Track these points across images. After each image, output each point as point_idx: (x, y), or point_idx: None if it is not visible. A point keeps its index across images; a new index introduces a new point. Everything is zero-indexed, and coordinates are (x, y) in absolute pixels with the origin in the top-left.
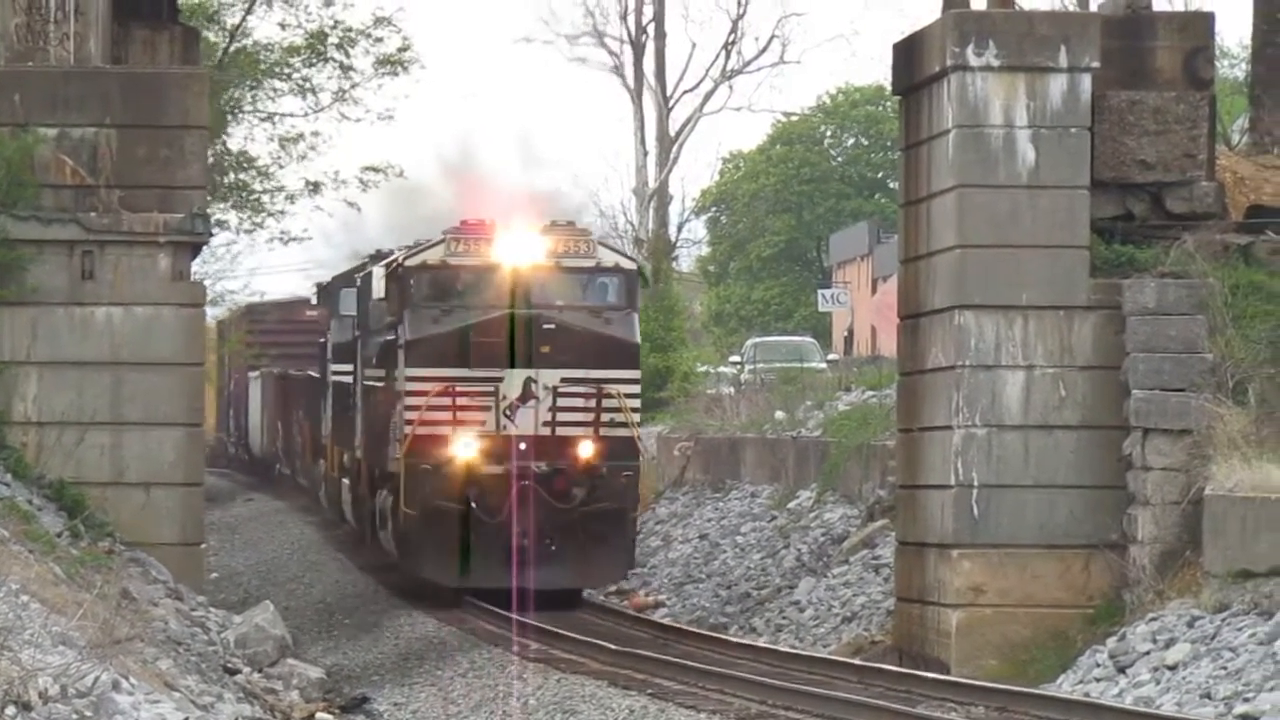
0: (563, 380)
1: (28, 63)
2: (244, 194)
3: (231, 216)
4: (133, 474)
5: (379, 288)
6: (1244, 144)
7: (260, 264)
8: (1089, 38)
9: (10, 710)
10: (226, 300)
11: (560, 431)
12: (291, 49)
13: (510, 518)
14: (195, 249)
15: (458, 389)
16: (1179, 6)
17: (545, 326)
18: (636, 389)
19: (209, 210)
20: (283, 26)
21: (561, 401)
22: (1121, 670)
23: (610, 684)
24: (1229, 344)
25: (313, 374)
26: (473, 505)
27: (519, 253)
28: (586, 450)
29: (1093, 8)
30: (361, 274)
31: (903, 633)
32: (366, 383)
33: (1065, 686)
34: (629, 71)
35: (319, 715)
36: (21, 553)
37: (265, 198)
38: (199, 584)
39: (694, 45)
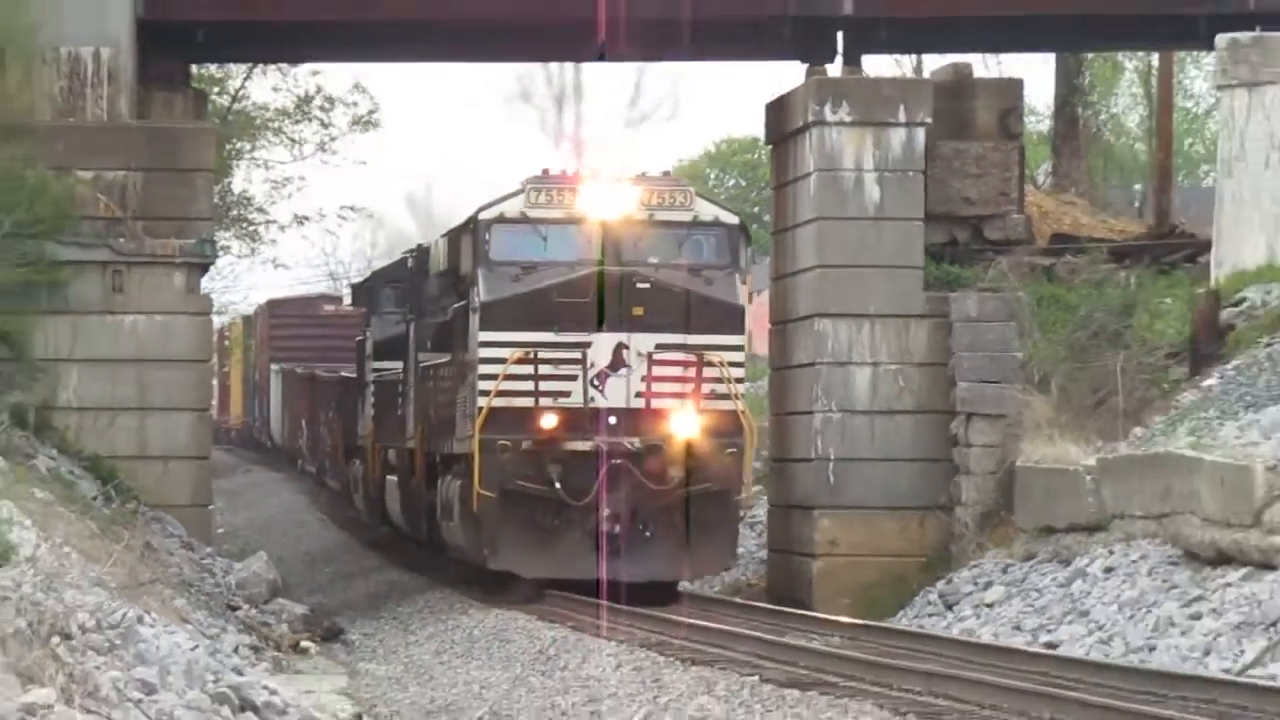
0: (658, 346)
1: (69, 118)
2: (243, 225)
3: (234, 243)
4: (154, 449)
5: (440, 259)
6: (1047, 184)
7: (256, 282)
8: (923, 99)
9: (55, 639)
10: (229, 310)
11: (655, 404)
12: (282, 110)
13: (599, 501)
14: (204, 268)
15: (539, 356)
16: (995, 73)
17: (639, 286)
18: (741, 357)
19: (215, 238)
20: (275, 90)
21: (657, 370)
22: (949, 607)
23: (539, 619)
24: (1035, 345)
25: (344, 374)
26: (557, 486)
27: (608, 204)
28: (685, 425)
29: (926, 74)
30: (414, 257)
31: (774, 578)
32: (424, 366)
33: (903, 620)
34: (550, 128)
35: (304, 644)
36: (64, 512)
37: (260, 228)
38: (207, 538)
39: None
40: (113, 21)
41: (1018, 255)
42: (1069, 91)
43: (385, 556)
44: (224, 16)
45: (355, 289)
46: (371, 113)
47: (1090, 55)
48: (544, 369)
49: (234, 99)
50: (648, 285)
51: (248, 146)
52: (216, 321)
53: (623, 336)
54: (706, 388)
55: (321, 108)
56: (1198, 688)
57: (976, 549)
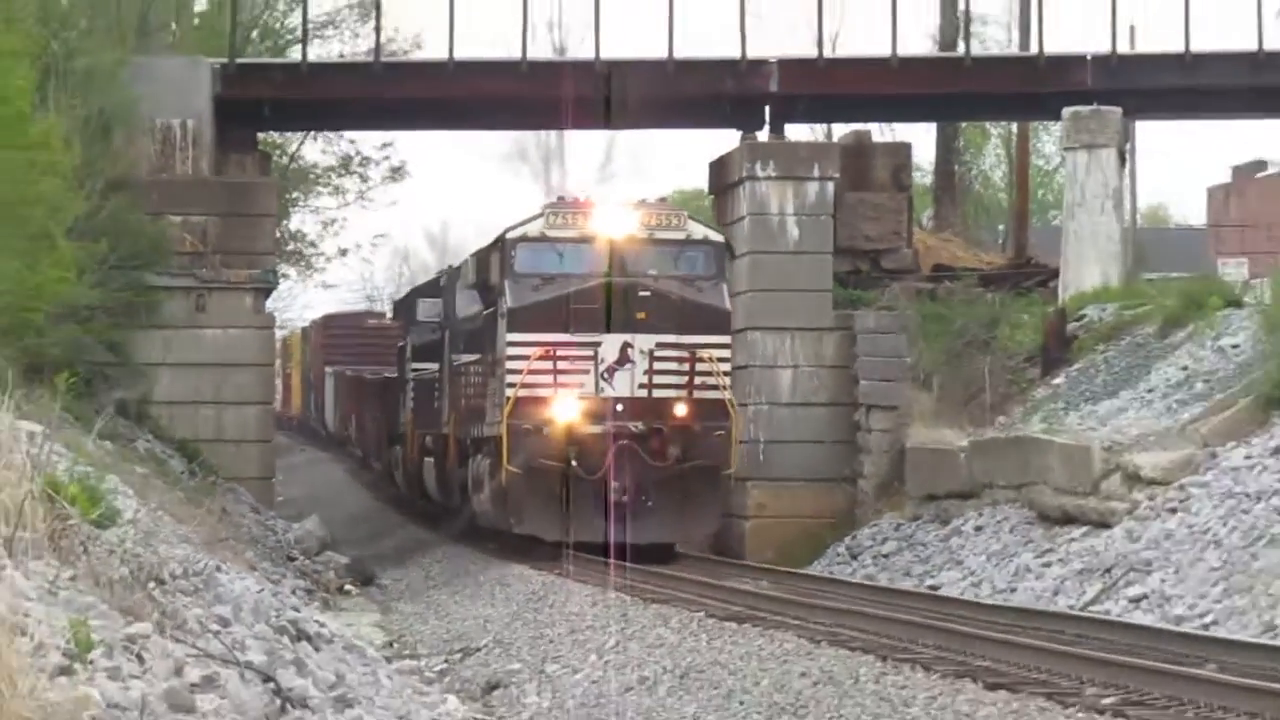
0: (658, 345)
1: (162, 174)
2: (298, 256)
3: (291, 271)
4: (228, 434)
5: (470, 274)
6: (930, 226)
7: (309, 301)
8: (831, 159)
9: (151, 584)
10: (288, 324)
11: (656, 393)
12: (328, 168)
13: (609, 475)
14: (267, 292)
15: (558, 353)
16: (889, 138)
17: (641, 294)
18: (727, 354)
19: (276, 267)
20: (323, 152)
21: (657, 365)
22: (854, 557)
23: (531, 568)
24: (920, 352)
25: (386, 374)
26: (573, 463)
27: (614, 225)
28: (681, 411)
29: (835, 139)
30: (447, 275)
31: (715, 536)
32: (456, 364)
33: (817, 568)
34: (541, 181)
35: (346, 587)
36: (158, 484)
37: (312, 259)
38: (270, 504)
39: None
40: (197, 99)
41: (907, 281)
42: (947, 153)
43: (412, 520)
44: (283, 95)
45: (396, 304)
46: (399, 167)
47: (963, 125)
48: (561, 364)
49: (291, 159)
50: (648, 294)
51: (302, 195)
52: (278, 333)
53: (628, 337)
54: (698, 380)
55: (359, 164)
56: (1049, 620)
57: (875, 512)
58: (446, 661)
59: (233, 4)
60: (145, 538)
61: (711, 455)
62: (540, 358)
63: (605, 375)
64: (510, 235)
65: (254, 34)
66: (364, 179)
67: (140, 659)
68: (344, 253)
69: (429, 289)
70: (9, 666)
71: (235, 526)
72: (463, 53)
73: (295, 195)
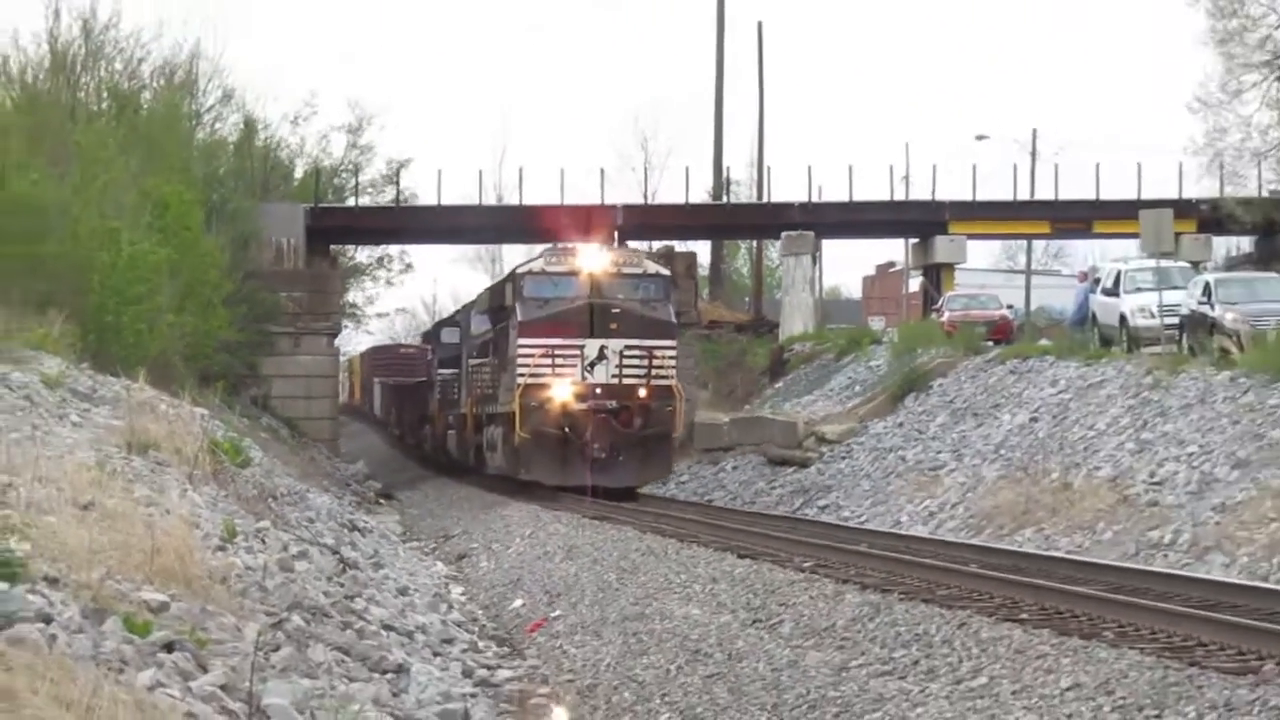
0: (625, 347)
1: (276, 269)
2: (353, 315)
3: (349, 323)
4: (313, 415)
5: (484, 302)
6: (707, 299)
7: (360, 340)
8: (653, 260)
9: (270, 499)
10: (348, 353)
11: (624, 381)
12: (369, 265)
13: (591, 439)
14: (334, 335)
15: (555, 352)
16: (684, 248)
17: (613, 311)
18: (674, 353)
19: (341, 321)
20: (366, 256)
21: (625, 361)
22: (663, 485)
23: (486, 490)
24: (702, 368)
25: (416, 381)
26: (566, 430)
27: (593, 264)
28: (642, 393)
29: (654, 249)
30: (461, 314)
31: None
32: (471, 366)
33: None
34: (487, 273)
35: (379, 500)
36: (273, 444)
37: (361, 316)
38: (337, 454)
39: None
40: (295, 227)
41: (695, 329)
42: (717, 257)
43: (419, 466)
44: (343, 224)
45: (425, 334)
46: (409, 265)
47: (726, 242)
48: (557, 360)
49: (350, 259)
50: (619, 310)
51: (355, 279)
52: (343, 358)
53: (604, 341)
54: (654, 371)
55: (387, 262)
56: (772, 520)
57: (680, 459)
58: (435, 543)
59: (316, 174)
60: (266, 473)
61: (663, 424)
62: (542, 355)
63: (588, 368)
64: (520, 270)
65: (329, 192)
66: (389, 270)
67: (263, 541)
68: (380, 315)
69: (449, 321)
70: (189, 545)
71: (317, 467)
72: (446, 200)
73: (350, 280)
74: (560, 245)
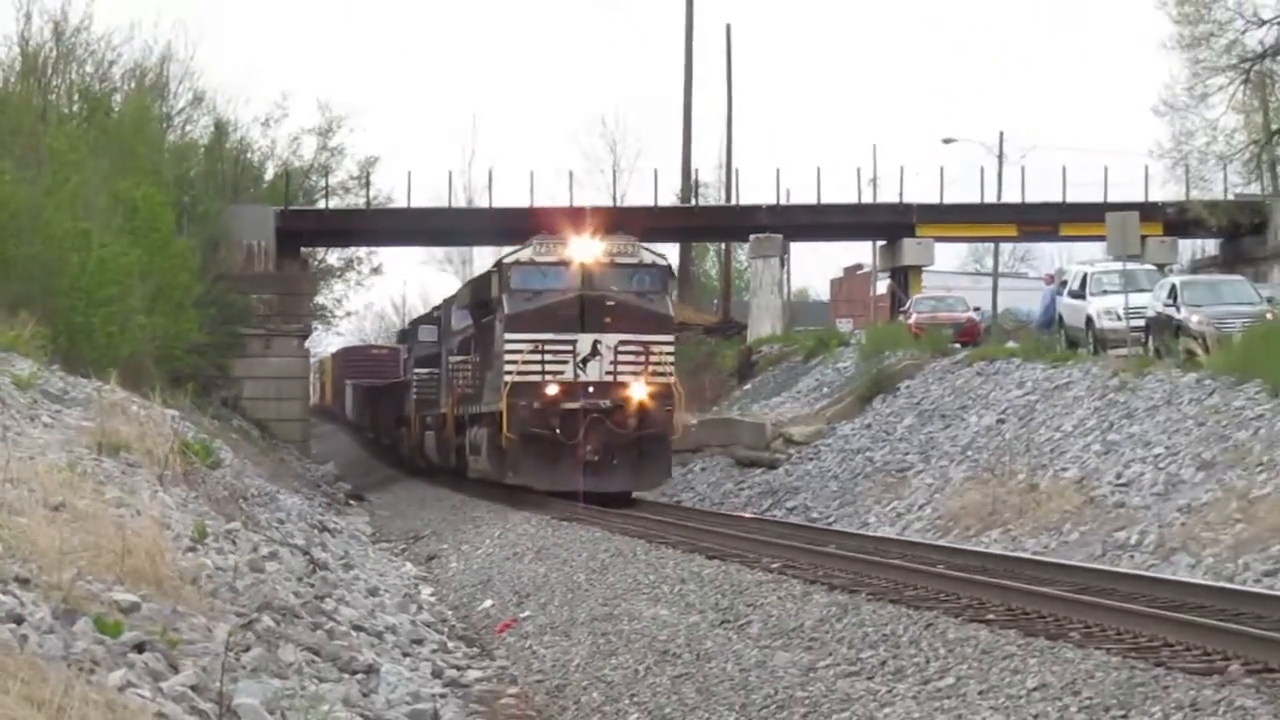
0: (620, 342)
1: (247, 271)
2: (323, 317)
3: (319, 325)
4: (284, 416)
5: (465, 296)
6: (675, 298)
7: (329, 341)
8: None
9: (240, 500)
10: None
11: (619, 378)
12: (340, 267)
13: (583, 440)
14: (305, 336)
15: (545, 348)
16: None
17: (607, 304)
18: (672, 348)
19: (311, 323)
20: (337, 259)
21: (620, 357)
22: None
23: (452, 490)
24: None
25: (391, 381)
26: (556, 431)
27: (585, 253)
28: (638, 392)
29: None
30: (440, 310)
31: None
32: (451, 364)
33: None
34: (458, 274)
35: (349, 502)
36: (244, 445)
37: (331, 317)
38: (307, 455)
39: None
40: (266, 229)
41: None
42: (686, 260)
43: (389, 467)
44: (314, 227)
45: (401, 332)
46: (378, 267)
47: (695, 244)
48: (547, 356)
49: (320, 261)
50: (613, 303)
51: (324, 282)
52: (314, 359)
53: (597, 336)
54: (651, 368)
55: (357, 264)
56: (739, 523)
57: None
58: (405, 544)
59: (287, 176)
60: (237, 475)
61: (661, 425)
62: (531, 351)
63: (580, 365)
64: (506, 260)
65: (299, 194)
66: (359, 272)
67: (234, 542)
68: (349, 314)
69: (426, 319)
70: (160, 546)
71: (287, 468)
72: (416, 202)
73: (321, 282)
74: (549, 235)
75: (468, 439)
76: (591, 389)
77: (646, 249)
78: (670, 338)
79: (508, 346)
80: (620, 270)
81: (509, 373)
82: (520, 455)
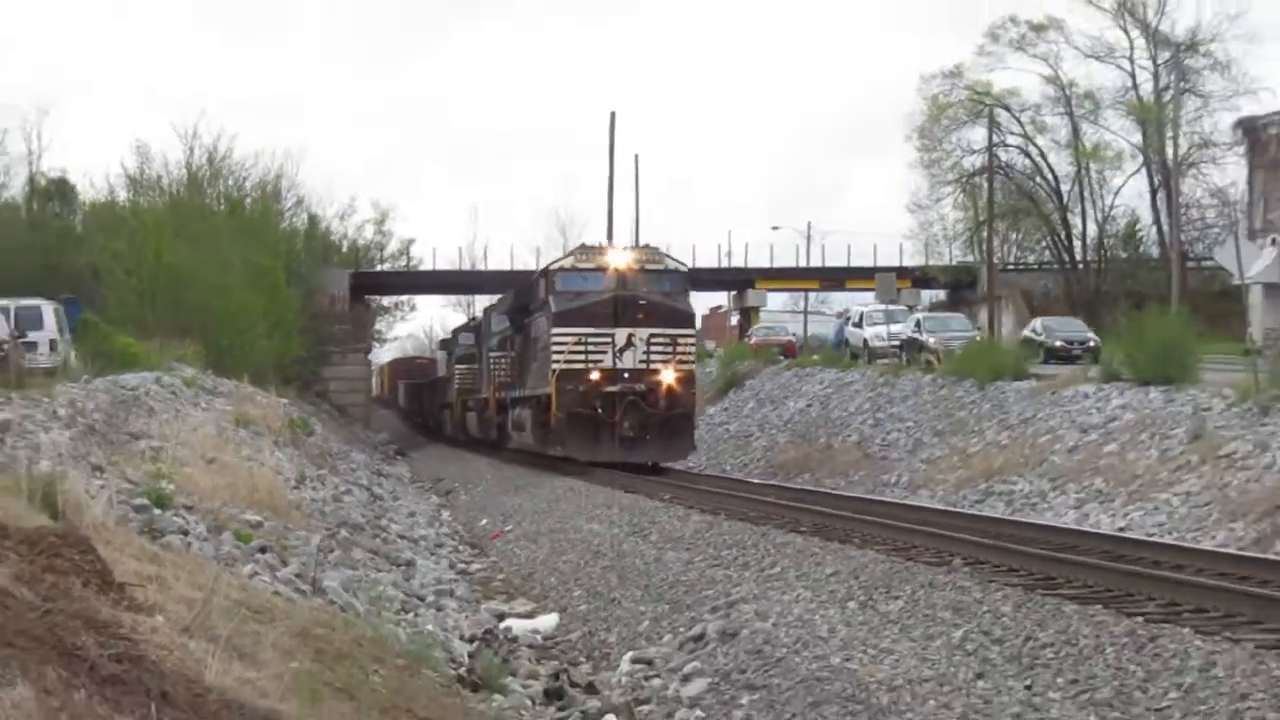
0: (651, 335)
1: (332, 310)
2: (377, 339)
3: (376, 344)
4: (354, 403)
5: (508, 302)
6: None
7: (383, 355)
8: None
9: (327, 457)
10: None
11: (651, 366)
12: (391, 306)
13: (621, 418)
14: (368, 351)
15: (587, 340)
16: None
17: (640, 303)
18: (693, 341)
19: (373, 342)
20: (385, 301)
21: (651, 348)
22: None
23: (468, 451)
24: None
25: (434, 378)
26: (598, 410)
27: (619, 261)
28: (668, 377)
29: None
30: (483, 315)
31: None
32: (492, 358)
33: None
34: (467, 314)
35: (397, 456)
36: (329, 421)
37: (383, 340)
38: (369, 427)
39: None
40: (343, 284)
41: None
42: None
43: (424, 437)
44: (373, 283)
45: (443, 341)
46: (414, 307)
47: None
48: (589, 347)
49: (377, 304)
50: (644, 303)
51: (380, 317)
52: (374, 365)
53: (631, 330)
54: (677, 357)
55: (399, 306)
56: (642, 472)
57: None
58: (431, 484)
59: (355, 250)
60: (324, 439)
61: (686, 406)
62: (575, 343)
63: (618, 354)
64: (552, 268)
65: (364, 261)
66: (402, 311)
67: (322, 483)
68: (395, 339)
69: (464, 329)
70: (275, 485)
71: (356, 436)
72: (440, 266)
73: (379, 317)
74: (587, 245)
75: (510, 418)
76: (627, 375)
77: (670, 257)
78: (692, 331)
79: (554, 339)
80: (648, 275)
81: (557, 361)
82: (567, 431)
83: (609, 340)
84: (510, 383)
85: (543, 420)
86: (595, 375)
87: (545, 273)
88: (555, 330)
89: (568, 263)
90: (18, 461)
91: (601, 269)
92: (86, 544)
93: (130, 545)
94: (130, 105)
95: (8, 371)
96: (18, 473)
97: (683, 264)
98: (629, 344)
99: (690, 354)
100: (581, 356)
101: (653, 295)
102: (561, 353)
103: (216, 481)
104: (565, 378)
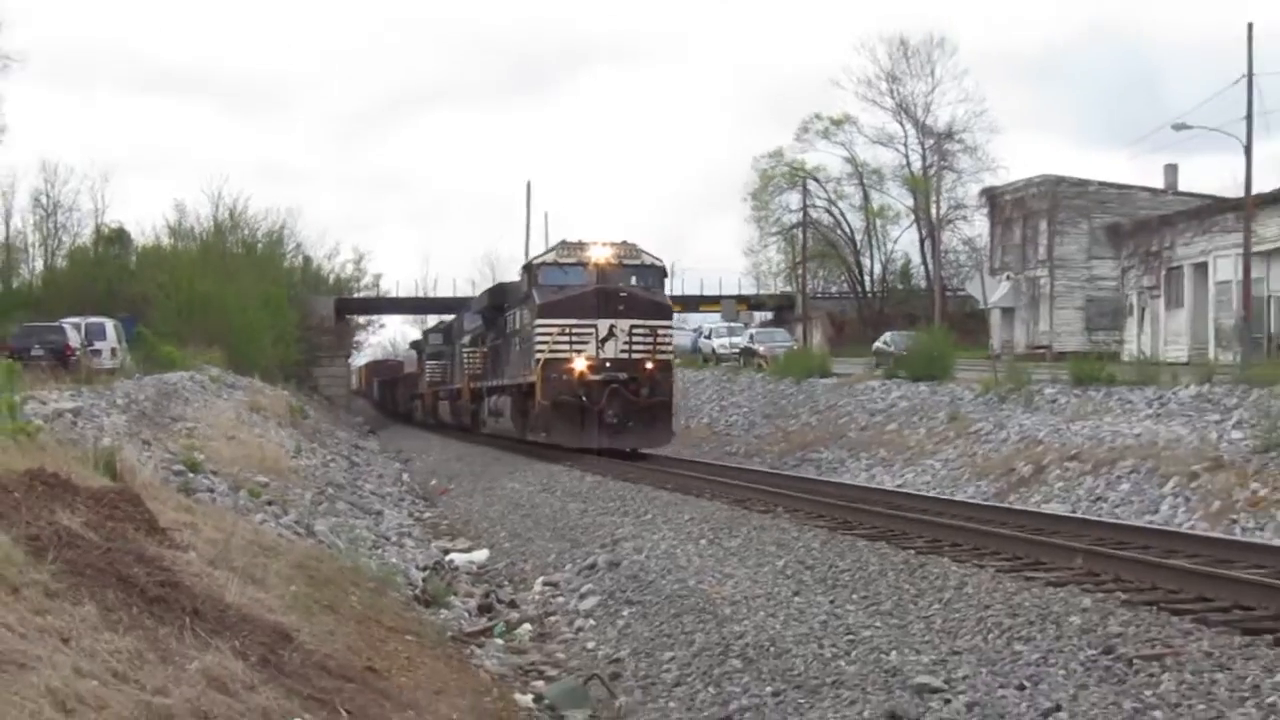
0: (632, 326)
1: (322, 325)
2: (357, 347)
3: (354, 350)
4: (338, 394)
5: (483, 301)
6: None
7: (361, 359)
8: None
9: (318, 433)
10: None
11: (633, 356)
12: (366, 323)
13: (604, 406)
14: (349, 356)
15: (571, 330)
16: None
17: (621, 295)
18: (671, 332)
19: (352, 350)
20: (363, 319)
21: (633, 338)
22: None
23: (442, 436)
24: None
25: (398, 376)
26: (582, 398)
27: (600, 255)
28: (648, 366)
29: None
30: (456, 316)
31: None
32: (465, 353)
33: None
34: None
35: (370, 433)
36: (319, 408)
37: (359, 348)
38: (350, 412)
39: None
40: (329, 308)
41: None
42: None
43: (391, 420)
44: (352, 307)
45: (414, 343)
46: (384, 324)
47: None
48: (574, 337)
49: (354, 321)
50: (625, 295)
51: (357, 331)
52: (354, 366)
53: (613, 321)
54: (657, 347)
55: (375, 324)
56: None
57: None
58: (395, 453)
59: (338, 282)
60: (316, 421)
61: (666, 394)
62: (559, 333)
63: (600, 344)
64: (535, 262)
65: (345, 290)
66: (373, 327)
67: (314, 453)
68: (370, 347)
69: (433, 330)
70: (279, 455)
71: (339, 419)
72: (401, 293)
73: (358, 331)
74: (569, 240)
75: (485, 406)
76: (609, 364)
77: (647, 253)
78: (670, 323)
79: (539, 330)
80: (628, 269)
81: (541, 351)
82: (551, 419)
83: (592, 330)
84: (484, 374)
85: (523, 408)
86: (580, 364)
87: (529, 267)
88: (540, 321)
89: (550, 257)
90: (86, 438)
91: (583, 263)
92: (138, 499)
93: (170, 500)
94: (171, 173)
95: (79, 371)
96: (86, 446)
97: (659, 259)
98: (611, 334)
99: (669, 345)
100: (566, 346)
101: (632, 288)
102: (546, 342)
103: (235, 452)
104: (550, 366)
